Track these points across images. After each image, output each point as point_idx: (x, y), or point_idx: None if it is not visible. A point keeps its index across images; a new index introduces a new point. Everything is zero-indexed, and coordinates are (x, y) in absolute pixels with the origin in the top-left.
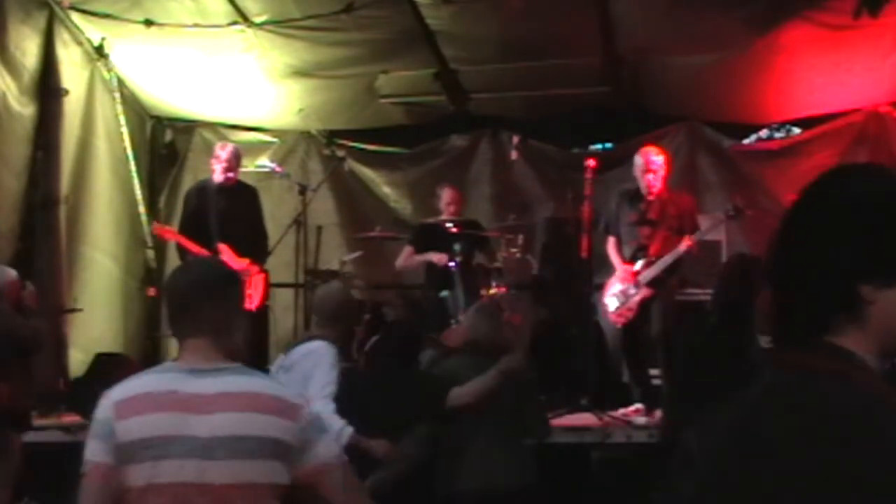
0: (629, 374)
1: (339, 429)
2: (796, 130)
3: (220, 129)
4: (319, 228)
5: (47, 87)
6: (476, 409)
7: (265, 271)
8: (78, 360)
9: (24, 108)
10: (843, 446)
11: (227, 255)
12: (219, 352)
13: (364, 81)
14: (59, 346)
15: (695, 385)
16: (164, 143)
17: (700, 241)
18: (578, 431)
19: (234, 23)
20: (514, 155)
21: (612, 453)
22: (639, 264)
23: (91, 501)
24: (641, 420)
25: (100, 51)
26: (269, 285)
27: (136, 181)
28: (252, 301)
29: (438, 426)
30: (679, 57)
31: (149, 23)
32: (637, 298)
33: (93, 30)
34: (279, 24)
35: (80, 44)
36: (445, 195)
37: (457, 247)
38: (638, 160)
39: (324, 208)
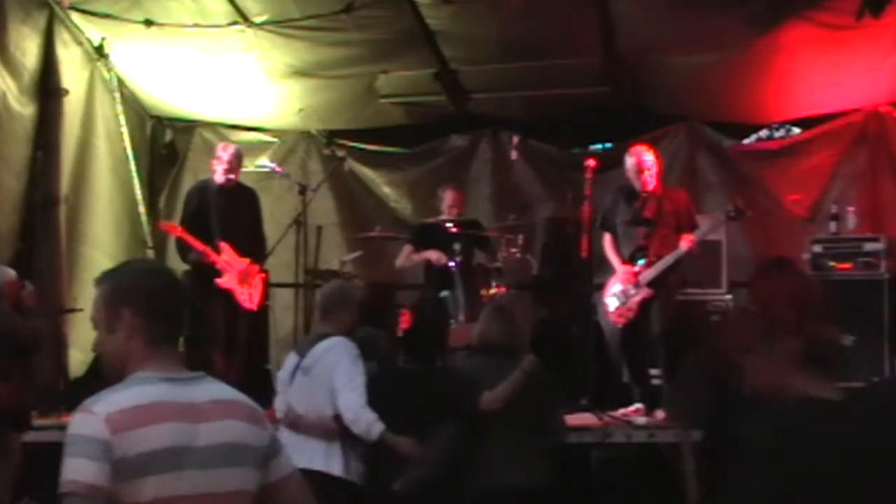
0: (629, 374)
1: (371, 422)
2: (796, 130)
3: (220, 129)
4: (319, 228)
5: (47, 87)
6: (502, 410)
7: (265, 271)
8: (78, 360)
9: (24, 108)
10: None
11: (227, 253)
12: (181, 359)
13: (364, 81)
14: (59, 346)
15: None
16: (164, 143)
17: (700, 241)
18: (578, 431)
19: (234, 23)
20: (514, 155)
21: (612, 453)
22: (639, 264)
23: None
24: (641, 420)
25: (100, 51)
26: (268, 285)
27: (136, 181)
28: (252, 300)
29: (466, 427)
30: (679, 57)
31: (149, 23)
32: (637, 298)
33: (93, 30)
34: (279, 24)
35: (80, 44)
36: (448, 197)
37: (457, 246)
38: (629, 160)
39: (324, 208)
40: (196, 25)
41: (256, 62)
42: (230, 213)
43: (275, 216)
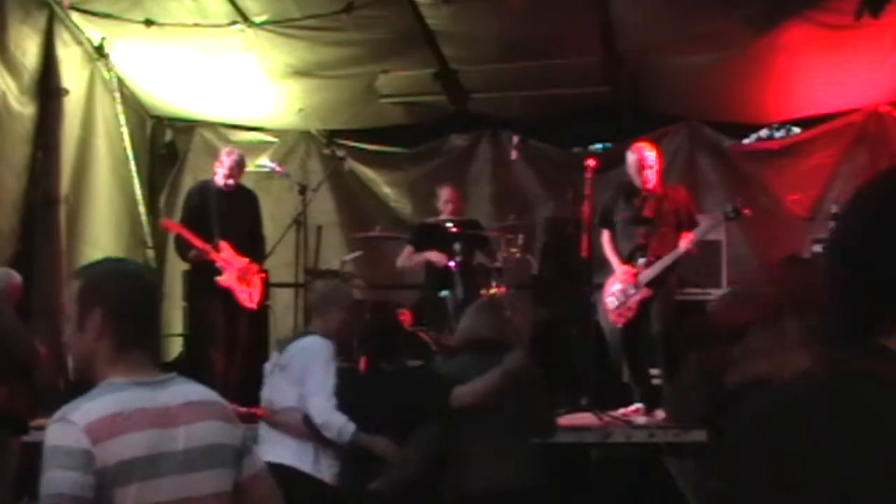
0: (629, 374)
1: (341, 425)
2: (796, 130)
3: (220, 129)
4: (319, 228)
5: (47, 87)
6: (482, 409)
7: (265, 271)
8: None
9: (24, 108)
10: None
11: (227, 252)
12: (155, 362)
13: (364, 81)
14: (60, 346)
15: None
16: (164, 143)
17: (700, 241)
18: (578, 431)
19: (234, 23)
20: (514, 155)
21: (612, 453)
22: (639, 264)
23: None
24: (641, 420)
25: (100, 51)
26: (268, 285)
27: (136, 181)
28: (252, 299)
29: (444, 427)
30: (679, 57)
31: (149, 23)
32: (637, 298)
33: (93, 30)
34: (279, 24)
35: (80, 43)
36: (444, 194)
37: (457, 246)
38: (631, 156)
39: (324, 208)
40: (196, 25)
41: (256, 62)
42: (230, 214)
43: (275, 216)
